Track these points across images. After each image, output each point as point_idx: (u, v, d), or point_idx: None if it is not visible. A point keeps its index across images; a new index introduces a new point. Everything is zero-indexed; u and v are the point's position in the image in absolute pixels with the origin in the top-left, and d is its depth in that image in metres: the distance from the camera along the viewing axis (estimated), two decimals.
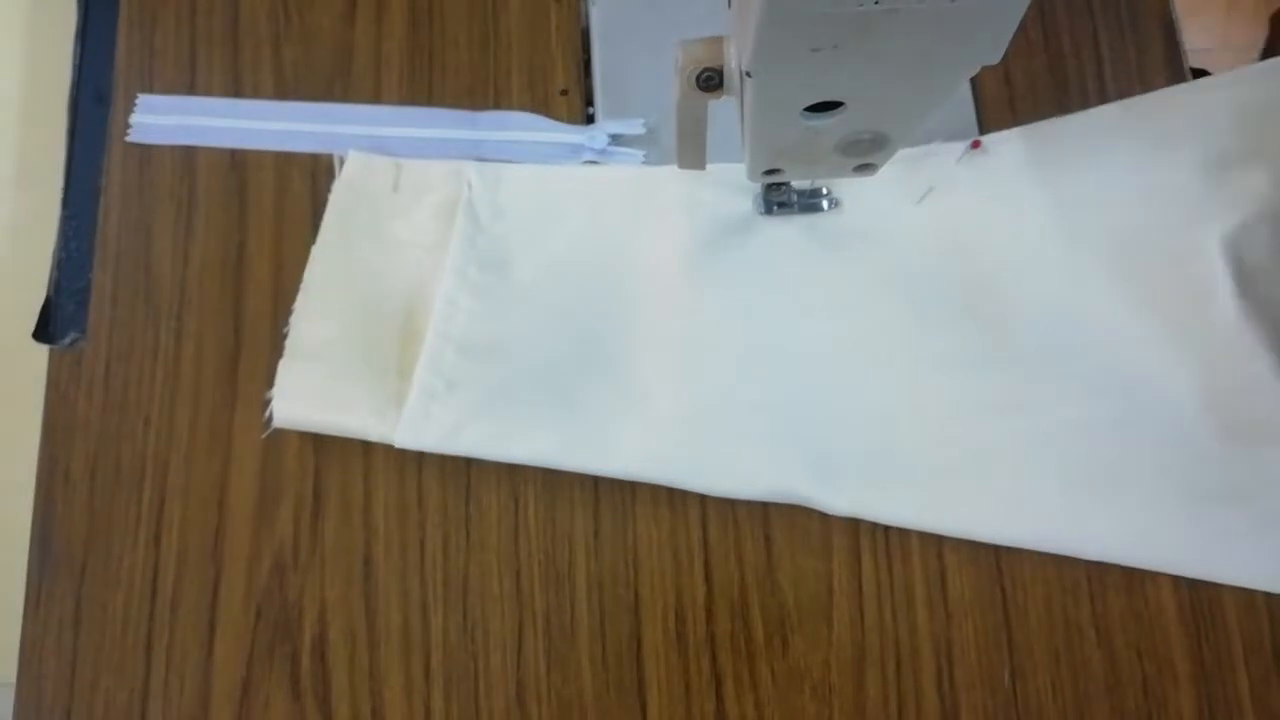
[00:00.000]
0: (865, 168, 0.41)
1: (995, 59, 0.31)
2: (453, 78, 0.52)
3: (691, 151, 0.43)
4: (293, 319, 0.47)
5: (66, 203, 0.51)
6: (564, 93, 0.51)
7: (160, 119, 0.51)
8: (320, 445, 0.46)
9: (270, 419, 0.45)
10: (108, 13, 0.53)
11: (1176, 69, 0.51)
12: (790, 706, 0.43)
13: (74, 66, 0.53)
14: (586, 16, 0.53)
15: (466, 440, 0.45)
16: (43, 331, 0.48)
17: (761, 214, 0.48)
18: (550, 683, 0.43)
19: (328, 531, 0.45)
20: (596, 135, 0.50)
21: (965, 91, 0.51)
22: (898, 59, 0.30)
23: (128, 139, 0.51)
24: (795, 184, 0.48)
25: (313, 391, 0.45)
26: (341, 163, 0.50)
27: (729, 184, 0.48)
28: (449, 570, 0.45)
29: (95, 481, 0.46)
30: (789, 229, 0.48)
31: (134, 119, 0.51)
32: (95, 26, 0.53)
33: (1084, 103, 0.50)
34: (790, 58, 0.30)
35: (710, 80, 0.36)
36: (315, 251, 0.48)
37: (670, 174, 0.49)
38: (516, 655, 0.44)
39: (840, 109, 0.34)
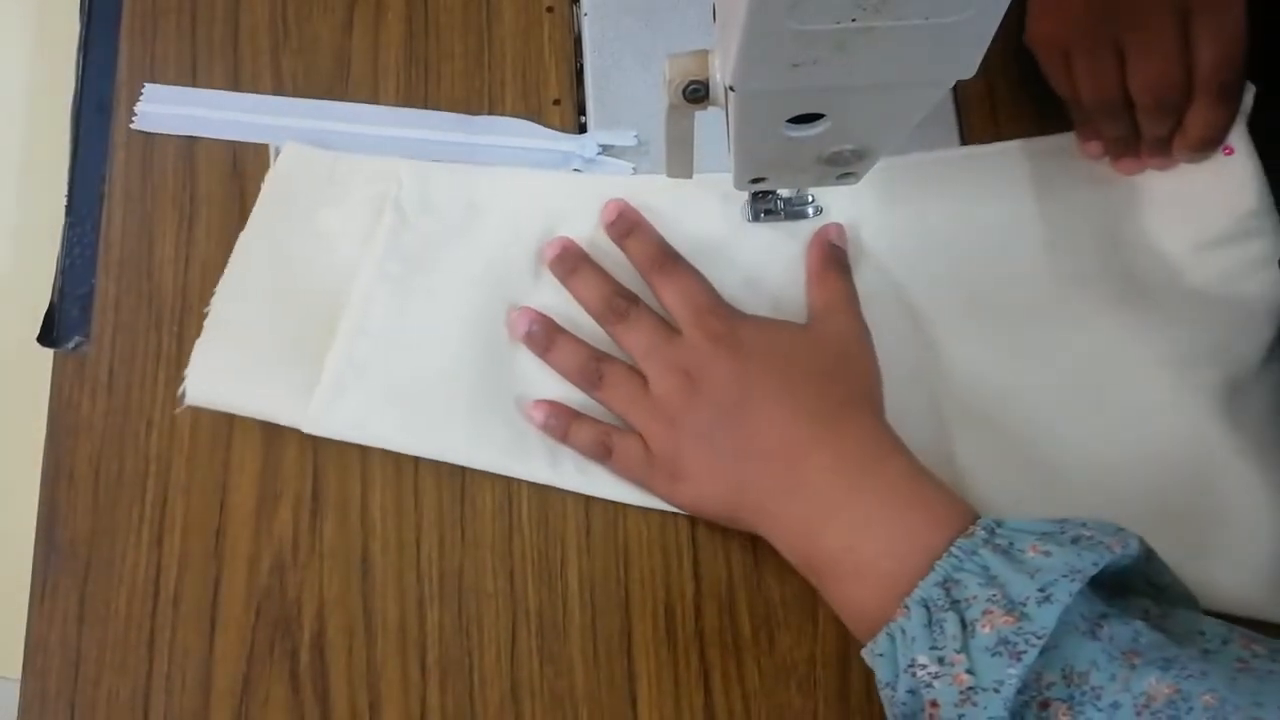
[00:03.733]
0: (847, 176, 0.42)
1: (970, 73, 0.32)
2: (448, 87, 0.53)
3: (679, 160, 0.44)
4: (214, 300, 0.48)
5: (70, 210, 0.52)
6: (557, 102, 0.53)
7: (165, 108, 0.52)
8: (319, 447, 0.47)
9: (184, 396, 0.46)
10: (109, 23, 0.54)
11: None
12: (777, 700, 0.44)
13: (77, 76, 0.54)
14: (579, 27, 0.54)
15: (373, 430, 0.46)
16: (47, 336, 0.49)
17: (749, 221, 0.49)
18: (543, 677, 0.45)
19: (326, 531, 0.46)
20: (587, 144, 0.51)
21: (947, 102, 0.52)
22: (875, 74, 0.31)
23: (132, 126, 0.52)
24: (781, 192, 0.49)
25: (228, 372, 0.47)
26: (278, 152, 0.51)
27: (716, 192, 0.49)
28: (444, 568, 0.46)
29: (99, 482, 0.47)
30: (775, 235, 0.49)
31: (139, 107, 0.52)
32: (97, 36, 0.54)
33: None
34: (771, 72, 0.31)
35: (697, 92, 0.37)
36: (243, 236, 0.49)
37: (621, 184, 0.50)
38: (510, 651, 0.45)
39: (822, 121, 0.35)
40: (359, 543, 0.46)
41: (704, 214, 0.49)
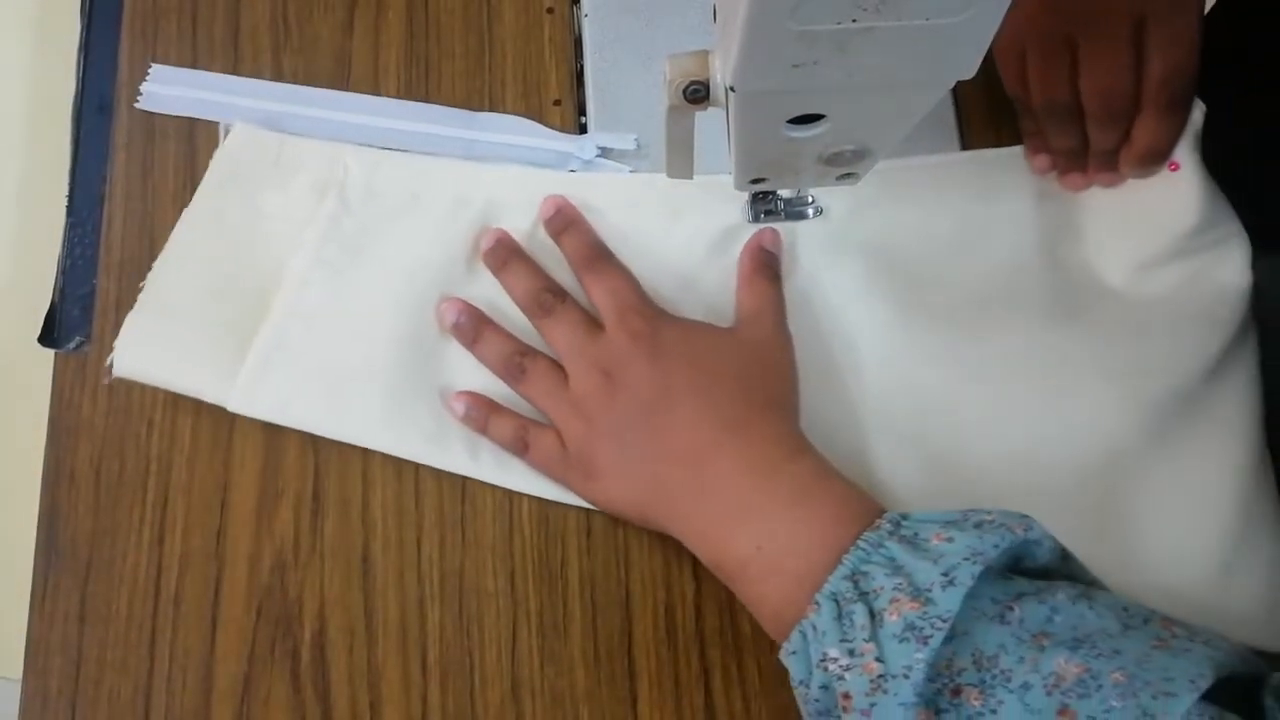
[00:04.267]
0: (848, 177, 0.42)
1: (970, 74, 0.32)
2: (449, 87, 0.53)
3: (680, 161, 0.44)
4: (150, 275, 0.48)
5: (71, 211, 0.52)
6: (557, 103, 0.53)
7: (170, 90, 0.53)
8: (320, 447, 0.47)
9: (111, 367, 0.47)
10: (110, 24, 0.55)
11: None
12: (777, 700, 0.44)
13: (77, 77, 0.54)
14: (579, 28, 0.54)
15: (296, 412, 0.47)
16: (48, 336, 0.50)
17: (749, 222, 0.49)
18: (544, 676, 0.45)
19: (327, 530, 0.46)
20: (586, 146, 0.51)
21: (947, 103, 0.52)
22: (876, 74, 0.31)
23: (136, 105, 0.52)
24: (782, 192, 0.49)
25: (158, 347, 0.47)
26: (228, 131, 0.51)
27: (717, 192, 0.49)
28: (445, 568, 0.46)
29: (100, 482, 0.47)
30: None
31: (144, 87, 0.53)
32: (98, 38, 0.55)
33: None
34: (771, 73, 0.31)
35: (697, 93, 0.37)
36: (185, 214, 0.50)
37: (564, 181, 0.50)
38: (511, 650, 0.45)
39: (822, 121, 0.35)
40: (360, 542, 0.46)
41: (642, 215, 0.50)
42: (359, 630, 0.45)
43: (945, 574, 0.35)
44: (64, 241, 0.51)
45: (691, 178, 0.46)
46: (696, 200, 0.50)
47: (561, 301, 0.47)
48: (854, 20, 0.28)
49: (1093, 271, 0.49)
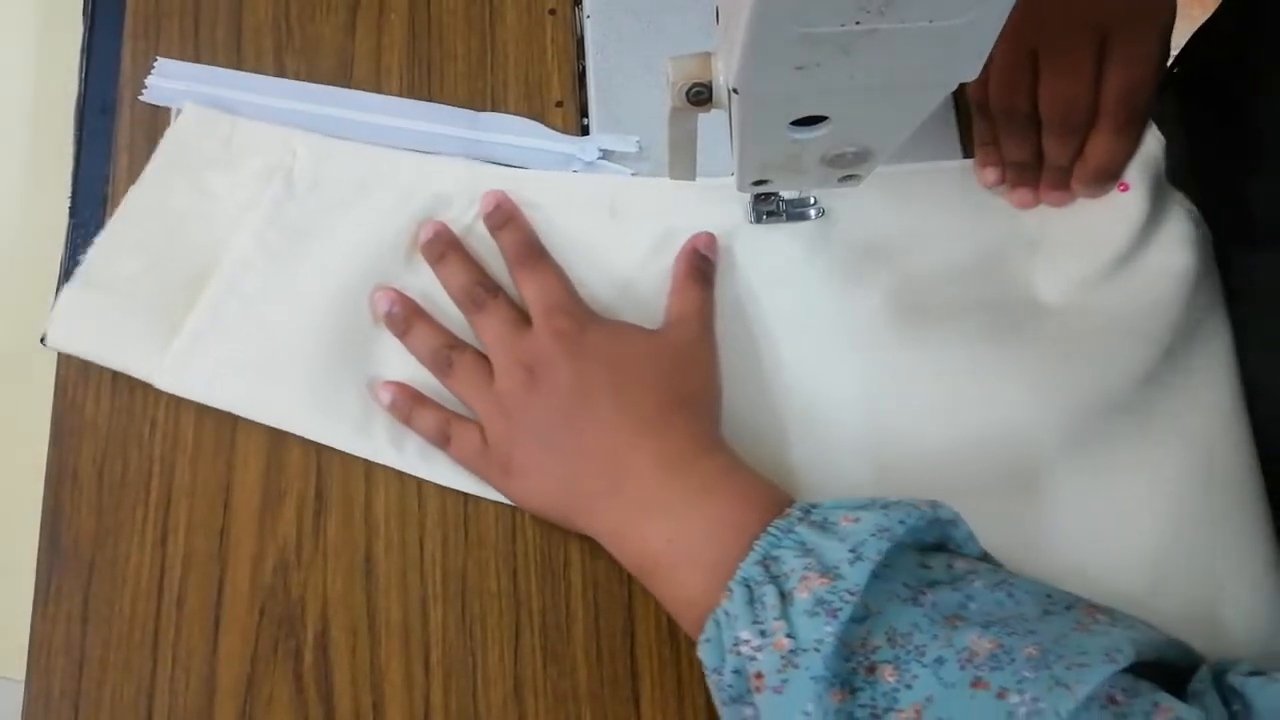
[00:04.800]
0: (850, 179, 0.42)
1: (972, 75, 0.32)
2: (451, 88, 0.53)
3: (682, 163, 0.44)
4: (91, 250, 0.49)
5: (74, 211, 0.52)
6: (559, 104, 0.53)
7: (175, 84, 0.53)
8: (323, 447, 0.47)
9: (45, 338, 0.47)
10: (112, 25, 0.55)
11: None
12: None
13: (80, 78, 0.54)
14: (582, 29, 0.54)
15: (223, 392, 0.47)
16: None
17: (751, 223, 0.50)
18: (546, 676, 0.45)
19: (330, 531, 0.47)
20: (587, 148, 0.51)
21: (948, 104, 0.52)
22: (878, 76, 0.32)
23: (141, 98, 0.53)
24: (784, 194, 0.49)
25: (93, 320, 0.48)
26: (179, 112, 0.51)
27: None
28: (448, 568, 0.46)
29: (103, 483, 0.47)
30: (777, 236, 0.49)
31: (149, 80, 0.53)
32: (100, 39, 0.55)
33: None
34: (774, 75, 0.31)
35: (700, 94, 0.37)
36: (132, 190, 0.50)
37: (508, 176, 0.50)
38: (514, 650, 0.45)
39: (825, 123, 0.36)
40: (362, 542, 0.46)
41: (585, 215, 0.50)
42: (362, 630, 0.45)
43: (853, 550, 0.36)
44: (66, 242, 0.51)
45: (694, 179, 0.46)
46: (639, 201, 0.50)
47: (493, 297, 0.47)
48: (857, 22, 0.28)
49: (1033, 286, 0.49)
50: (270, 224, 0.49)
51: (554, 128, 0.52)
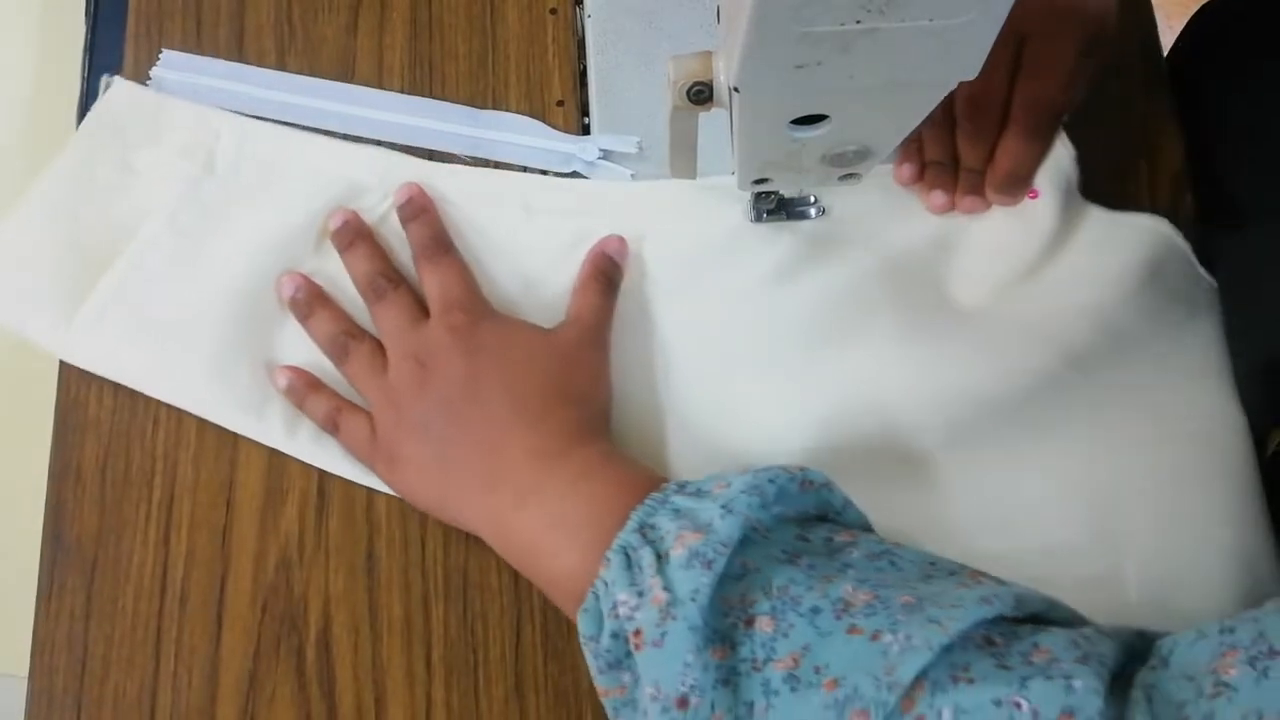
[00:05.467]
0: (850, 177, 0.42)
1: (972, 74, 0.32)
2: (452, 88, 0.54)
3: (683, 161, 0.44)
4: (8, 219, 0.49)
5: None
6: (560, 103, 0.53)
7: (180, 75, 0.53)
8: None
9: None
10: (114, 25, 0.55)
11: (1157, 81, 0.53)
12: None
13: (82, 78, 0.54)
14: (582, 29, 0.54)
15: (123, 365, 0.48)
16: None
17: (751, 222, 0.50)
18: (548, 673, 0.45)
19: (332, 528, 0.47)
20: (588, 148, 0.51)
21: (947, 104, 0.52)
22: (878, 75, 0.32)
23: (146, 86, 0.53)
24: (784, 192, 0.49)
25: (2, 289, 0.48)
26: (108, 86, 0.52)
27: (720, 192, 0.49)
28: (449, 565, 0.46)
29: (106, 480, 0.48)
30: (778, 235, 0.50)
31: (154, 71, 0.53)
32: (102, 39, 0.55)
33: None
34: (775, 74, 0.31)
35: (700, 93, 0.37)
36: (56, 162, 0.50)
37: (422, 169, 0.51)
38: (515, 647, 0.45)
39: (825, 122, 0.36)
40: (364, 540, 0.47)
41: (498, 211, 0.50)
42: (364, 627, 0.45)
43: (724, 506, 0.37)
44: None
45: (694, 178, 0.46)
46: (554, 200, 0.51)
47: (395, 288, 0.48)
48: (857, 21, 0.29)
49: (944, 289, 0.50)
50: (185, 202, 0.50)
51: (555, 127, 0.53)
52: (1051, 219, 0.48)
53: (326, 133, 0.52)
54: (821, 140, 0.37)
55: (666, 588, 0.35)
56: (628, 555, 0.37)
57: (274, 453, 0.48)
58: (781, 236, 0.50)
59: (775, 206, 0.49)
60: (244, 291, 0.48)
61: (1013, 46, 0.46)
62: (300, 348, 0.49)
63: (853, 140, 0.38)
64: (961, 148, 0.48)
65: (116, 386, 0.49)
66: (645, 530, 0.38)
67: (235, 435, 0.48)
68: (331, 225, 0.49)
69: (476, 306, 0.47)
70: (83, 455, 0.48)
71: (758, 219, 0.50)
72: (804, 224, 0.50)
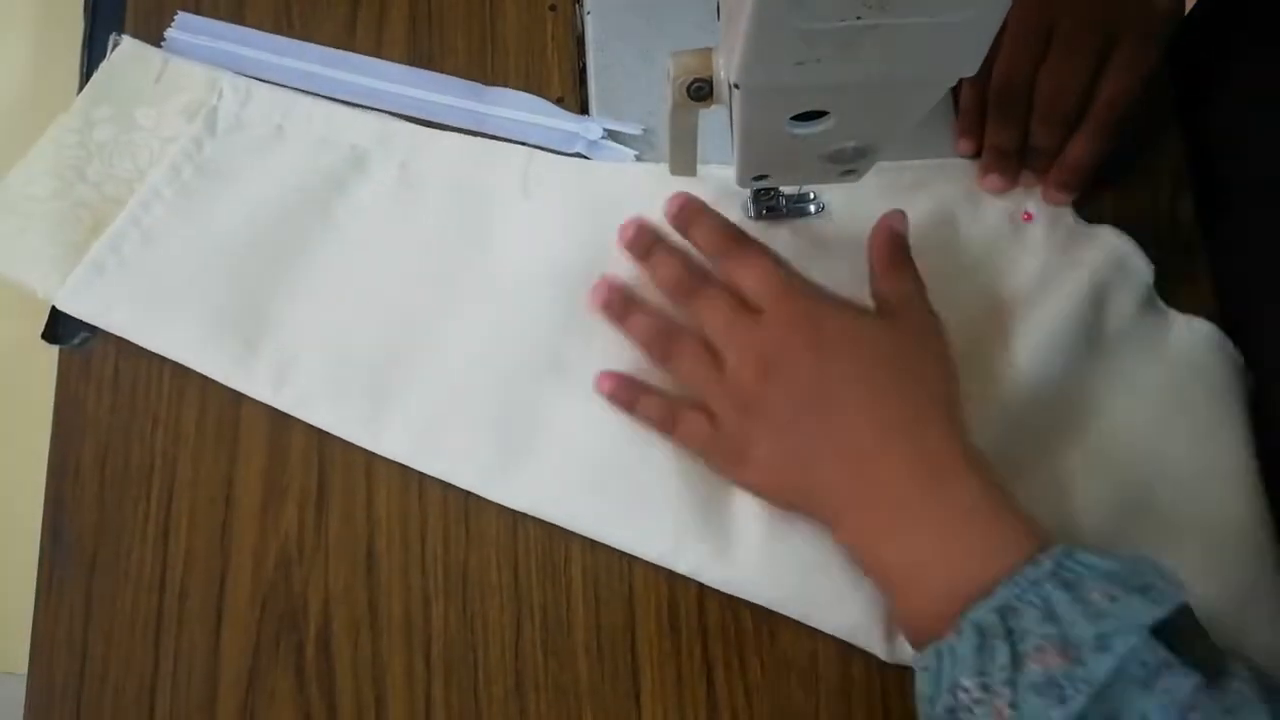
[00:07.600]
0: (850, 173, 0.42)
1: (972, 71, 0.32)
2: None
3: (683, 158, 0.44)
4: (13, 170, 0.50)
5: None
6: (560, 100, 0.53)
7: (194, 38, 0.54)
8: (325, 442, 0.47)
9: None
10: (113, 20, 0.55)
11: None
12: (778, 695, 0.44)
13: (81, 74, 0.54)
14: (582, 25, 0.54)
15: (117, 319, 0.48)
16: (52, 332, 0.50)
17: (751, 218, 0.50)
18: (547, 671, 0.45)
19: (332, 526, 0.47)
20: (592, 127, 0.51)
21: (947, 102, 0.52)
22: (878, 71, 0.32)
23: (160, 48, 0.54)
24: (784, 189, 0.49)
25: (2, 238, 0.49)
26: (116, 45, 0.53)
27: (720, 188, 0.49)
28: (449, 563, 0.46)
29: (105, 478, 0.48)
30: (777, 232, 0.50)
31: (169, 32, 0.54)
32: (101, 34, 0.54)
33: None
34: (775, 70, 0.31)
35: (701, 90, 0.37)
36: (61, 116, 0.51)
37: (426, 137, 0.52)
38: (515, 645, 0.45)
39: (825, 118, 0.36)
40: (364, 537, 0.47)
41: (496, 180, 0.51)
42: (363, 625, 0.45)
43: (1100, 637, 0.33)
44: None
45: (695, 175, 0.46)
46: (548, 174, 0.51)
47: (710, 283, 0.46)
48: (858, 18, 0.29)
49: (940, 285, 0.48)
50: (187, 159, 0.51)
51: None
52: (1041, 243, 0.49)
53: (333, 100, 0.53)
54: (821, 137, 0.37)
55: (1013, 705, 0.33)
56: (982, 635, 0.35)
57: (274, 450, 0.48)
58: (780, 233, 0.50)
59: (775, 203, 0.49)
60: (241, 249, 0.49)
61: (1102, 43, 0.46)
62: (293, 303, 0.49)
63: (852, 137, 0.38)
64: (1035, 129, 0.48)
65: (115, 383, 0.49)
66: (1006, 613, 0.35)
67: (234, 432, 0.48)
68: (624, 238, 0.48)
69: (805, 292, 0.44)
70: (82, 452, 0.48)
71: (757, 216, 0.50)
72: (803, 221, 0.50)
